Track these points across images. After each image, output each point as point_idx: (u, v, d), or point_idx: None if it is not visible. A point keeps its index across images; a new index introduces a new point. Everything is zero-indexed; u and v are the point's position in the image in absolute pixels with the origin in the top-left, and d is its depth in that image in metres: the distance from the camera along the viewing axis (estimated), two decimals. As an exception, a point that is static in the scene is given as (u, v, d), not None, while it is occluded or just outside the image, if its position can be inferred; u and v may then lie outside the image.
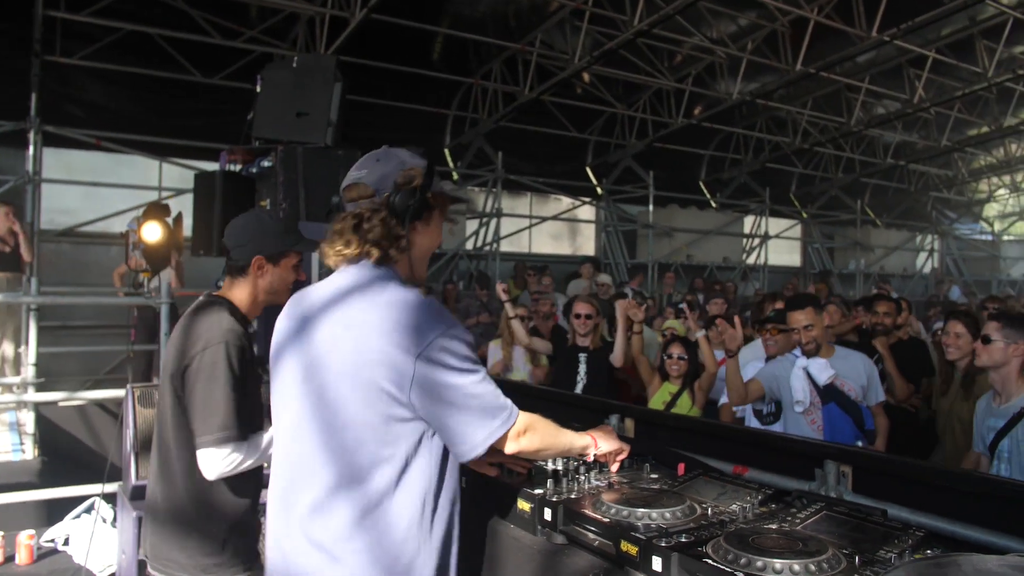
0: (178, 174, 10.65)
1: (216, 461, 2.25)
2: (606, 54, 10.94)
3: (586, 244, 16.63)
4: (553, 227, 15.91)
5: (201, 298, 2.53)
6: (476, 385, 1.73)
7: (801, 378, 4.11)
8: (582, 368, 5.28)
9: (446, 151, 13.97)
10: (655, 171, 15.33)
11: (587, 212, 16.21)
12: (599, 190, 15.85)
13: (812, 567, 1.55)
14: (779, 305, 6.27)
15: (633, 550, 1.73)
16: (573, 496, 2.07)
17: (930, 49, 12.43)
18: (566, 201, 15.65)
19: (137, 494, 3.24)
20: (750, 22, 11.88)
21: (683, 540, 1.72)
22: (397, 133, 12.73)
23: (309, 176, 6.84)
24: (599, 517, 1.89)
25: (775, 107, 14.87)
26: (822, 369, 4.06)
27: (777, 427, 4.44)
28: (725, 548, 1.63)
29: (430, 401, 1.69)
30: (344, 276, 1.83)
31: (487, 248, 13.64)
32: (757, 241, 17.36)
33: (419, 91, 12.65)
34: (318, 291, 1.89)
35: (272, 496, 1.86)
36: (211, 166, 9.88)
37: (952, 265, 21.23)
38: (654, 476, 2.32)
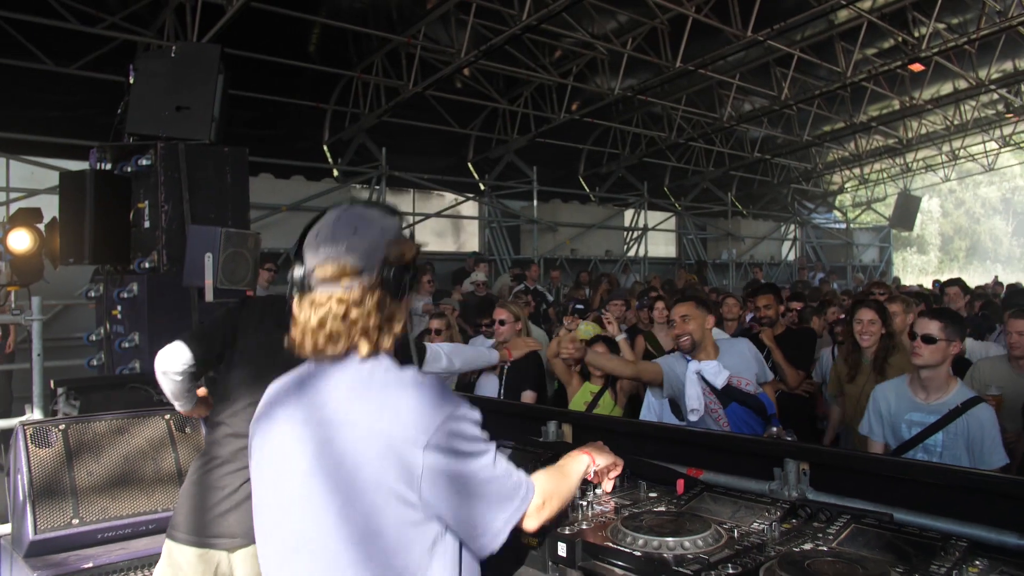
0: (31, 173, 9.62)
1: None
2: (492, 48, 10.78)
3: (470, 240, 16.50)
4: (437, 224, 15.67)
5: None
6: (489, 468, 1.52)
7: (695, 383, 3.92)
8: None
9: (325, 147, 13.43)
10: (537, 166, 15.37)
11: (470, 208, 16.06)
12: (482, 186, 15.74)
13: (884, 594, 1.45)
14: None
15: (680, 587, 1.58)
16: (584, 527, 1.90)
17: (795, 49, 13.07)
18: (449, 197, 15.44)
19: (35, 550, 2.80)
20: (629, 19, 12.06)
21: (731, 571, 1.59)
22: (271, 129, 12.14)
23: (193, 175, 6.36)
24: (626, 550, 1.73)
25: (651, 102, 15.22)
26: (717, 372, 3.91)
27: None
28: (786, 579, 1.51)
29: (442, 495, 1.47)
30: (326, 374, 1.58)
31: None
32: (637, 234, 17.79)
33: (295, 85, 12.07)
34: (296, 389, 1.62)
35: None
36: (70, 164, 9.03)
37: (811, 252, 22.62)
38: (653, 495, 2.18)
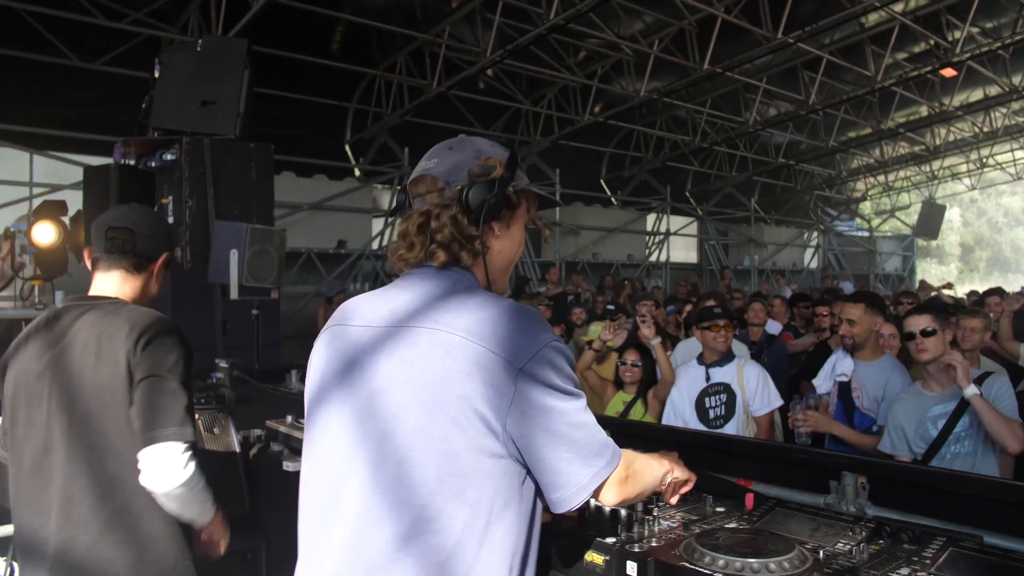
0: (53, 169, 9.59)
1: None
2: (518, 48, 10.65)
3: (491, 243, 16.38)
4: (458, 226, 15.55)
5: (78, 302, 2.14)
6: (583, 413, 1.39)
7: (830, 366, 4.18)
8: None
9: (347, 147, 13.35)
10: (559, 168, 15.22)
11: (491, 210, 15.94)
12: (504, 188, 15.59)
13: (1011, 631, 1.30)
14: (710, 303, 6.24)
15: (773, 615, 1.43)
16: (654, 544, 1.75)
17: (824, 52, 12.85)
18: (471, 199, 15.30)
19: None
20: (656, 19, 11.88)
21: (827, 599, 1.44)
22: (293, 128, 12.06)
23: (218, 171, 6.28)
24: (705, 571, 1.58)
25: (676, 105, 15.04)
26: (843, 365, 4.10)
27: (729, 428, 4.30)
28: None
29: (530, 429, 1.33)
30: (411, 283, 1.48)
31: (393, 248, 13.10)
32: (659, 238, 17.60)
33: (317, 82, 12.00)
34: (376, 302, 1.51)
35: (311, 558, 1.43)
36: (92, 160, 9.00)
37: (834, 260, 22.32)
38: (721, 510, 2.03)
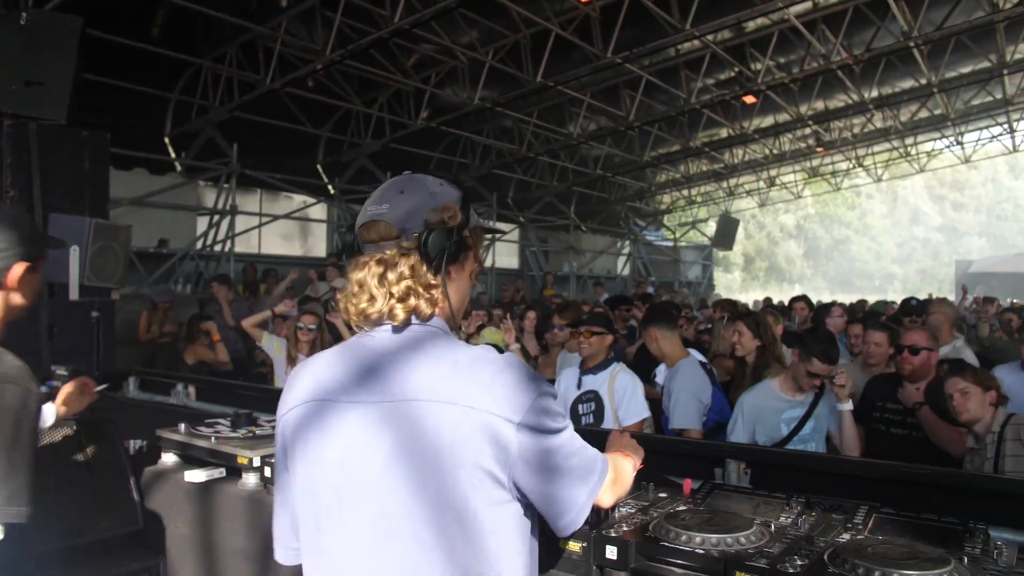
0: None
1: None
2: (359, 49, 10.50)
3: (317, 245, 16.01)
4: (284, 226, 15.05)
5: None
6: (573, 440, 1.47)
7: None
8: None
9: (167, 140, 12.49)
10: (389, 172, 15.13)
11: (319, 211, 15.57)
12: (331, 189, 15.28)
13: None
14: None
15: (755, 581, 1.60)
16: (624, 528, 1.88)
17: (644, 73, 13.74)
18: (297, 199, 14.87)
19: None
20: (489, 29, 12.12)
21: (799, 562, 1.63)
22: (107, 116, 11.09)
23: (46, 159, 5.75)
24: (686, 548, 1.73)
25: (503, 114, 15.43)
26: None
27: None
28: (863, 565, 1.57)
29: (534, 473, 1.40)
30: (388, 345, 1.46)
31: (217, 248, 12.43)
32: (484, 244, 17.96)
33: (135, 69, 11.12)
34: (358, 371, 1.46)
35: None
36: None
37: (643, 267, 23.85)
38: (663, 495, 2.20)
